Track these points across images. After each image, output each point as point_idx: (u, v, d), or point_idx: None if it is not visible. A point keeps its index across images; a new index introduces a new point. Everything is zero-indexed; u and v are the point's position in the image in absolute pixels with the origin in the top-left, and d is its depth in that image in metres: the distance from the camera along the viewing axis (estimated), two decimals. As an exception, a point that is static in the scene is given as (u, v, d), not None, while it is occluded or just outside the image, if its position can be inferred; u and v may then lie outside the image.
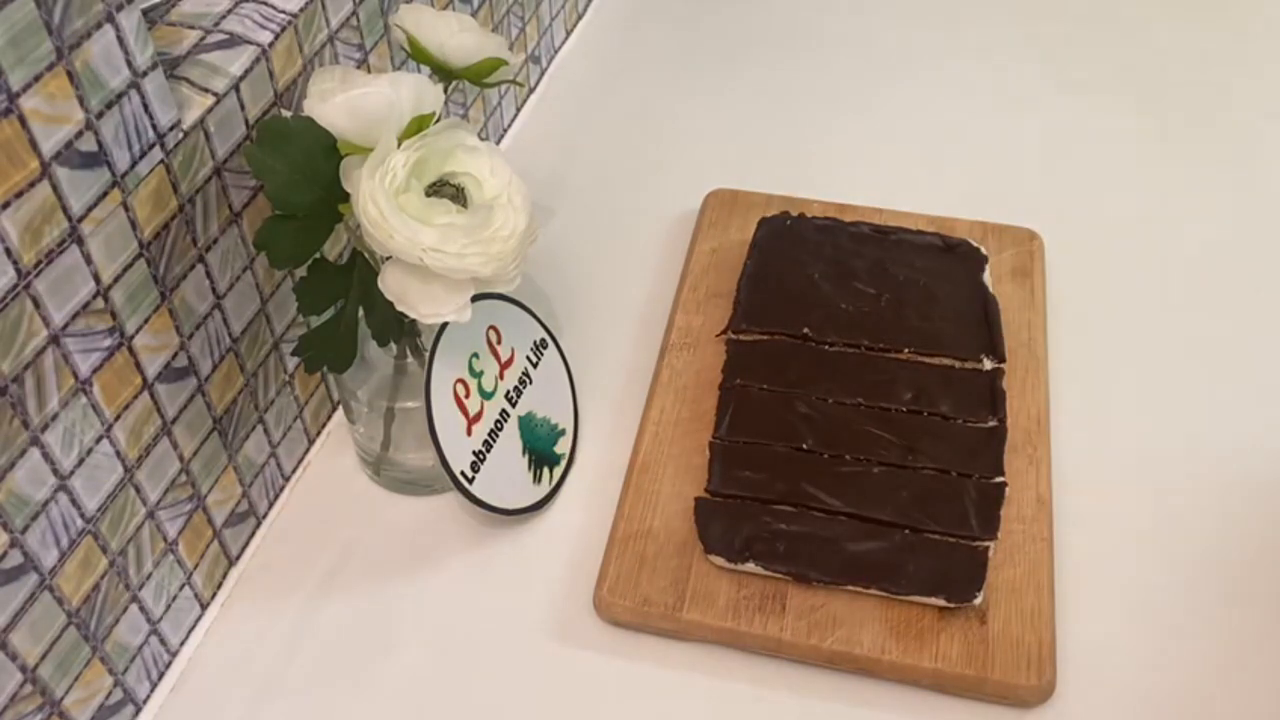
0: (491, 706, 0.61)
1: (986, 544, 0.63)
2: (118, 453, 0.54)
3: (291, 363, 0.68)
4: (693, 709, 0.60)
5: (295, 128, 0.54)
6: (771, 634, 0.61)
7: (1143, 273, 0.82)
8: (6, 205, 0.43)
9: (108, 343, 0.51)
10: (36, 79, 0.43)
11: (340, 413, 0.74)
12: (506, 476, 0.66)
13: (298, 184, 0.54)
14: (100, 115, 0.47)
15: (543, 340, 0.71)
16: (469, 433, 0.64)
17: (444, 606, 0.65)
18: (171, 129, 0.52)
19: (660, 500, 0.67)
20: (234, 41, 0.57)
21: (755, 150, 0.93)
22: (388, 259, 0.55)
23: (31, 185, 0.44)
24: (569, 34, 1.05)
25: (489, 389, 0.66)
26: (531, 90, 0.99)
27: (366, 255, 0.59)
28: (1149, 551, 0.66)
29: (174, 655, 0.62)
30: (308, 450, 0.72)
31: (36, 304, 0.46)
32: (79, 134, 0.46)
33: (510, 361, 0.68)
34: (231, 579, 0.66)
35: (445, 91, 0.57)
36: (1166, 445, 0.71)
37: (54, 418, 0.49)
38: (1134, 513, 0.68)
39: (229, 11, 0.59)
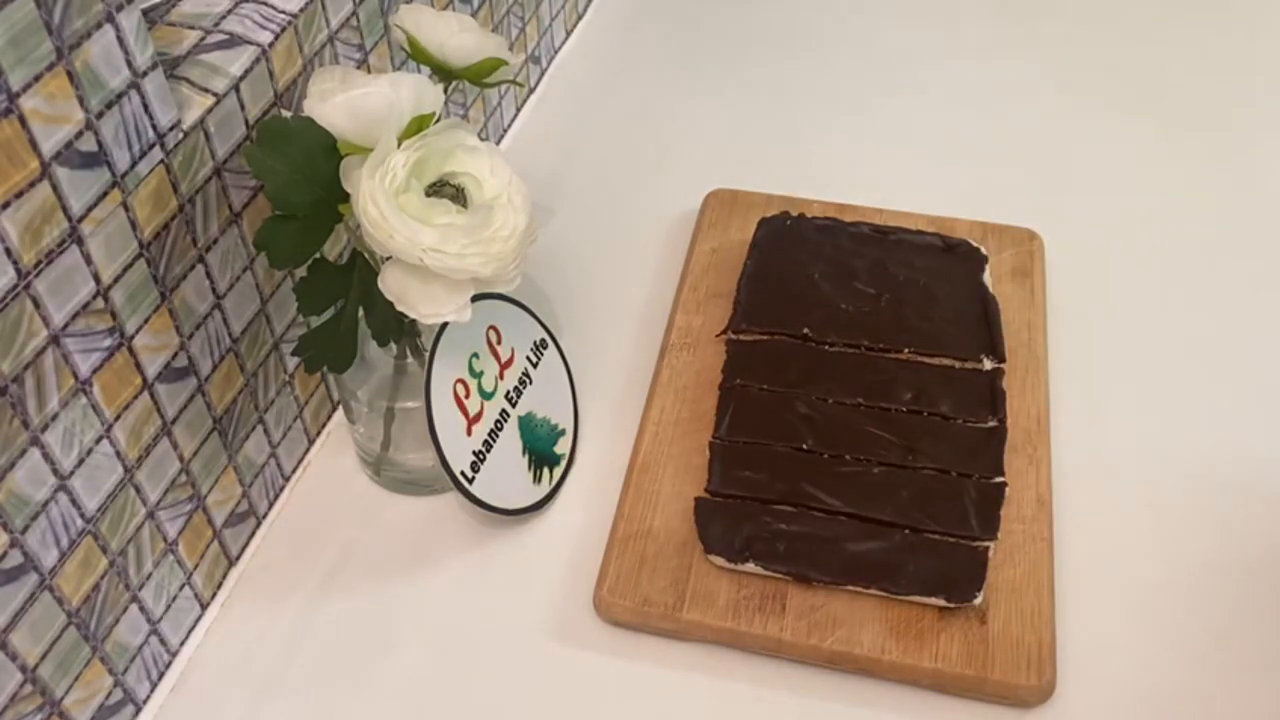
0: (491, 706, 0.61)
1: (986, 544, 0.63)
2: (118, 453, 0.54)
3: (291, 363, 0.68)
4: (693, 709, 0.60)
5: (295, 128, 0.54)
6: (771, 634, 0.61)
7: (1143, 273, 0.82)
8: (6, 205, 0.43)
9: (108, 343, 0.51)
10: (36, 79, 0.43)
11: (340, 413, 0.74)
12: (506, 476, 0.66)
13: (298, 184, 0.54)
14: (100, 115, 0.47)
15: (543, 340, 0.71)
16: (469, 433, 0.64)
17: (444, 606, 0.65)
18: (171, 129, 0.52)
19: (660, 500, 0.67)
20: (234, 41, 0.57)
21: (755, 150, 0.93)
22: (388, 259, 0.55)
23: (31, 185, 0.44)
24: (569, 34, 1.05)
25: (489, 389, 0.66)
26: (531, 90, 0.99)
27: (366, 255, 0.59)
28: (1149, 551, 0.66)
29: (174, 655, 0.62)
30: (308, 450, 0.72)
31: (36, 304, 0.46)
32: (79, 134, 0.46)
33: (510, 361, 0.68)
34: (231, 579, 0.66)
35: (445, 91, 0.57)
36: (1166, 445, 0.71)
37: (54, 418, 0.49)
38: (1134, 513, 0.68)
39: (229, 11, 0.59)
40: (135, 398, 0.54)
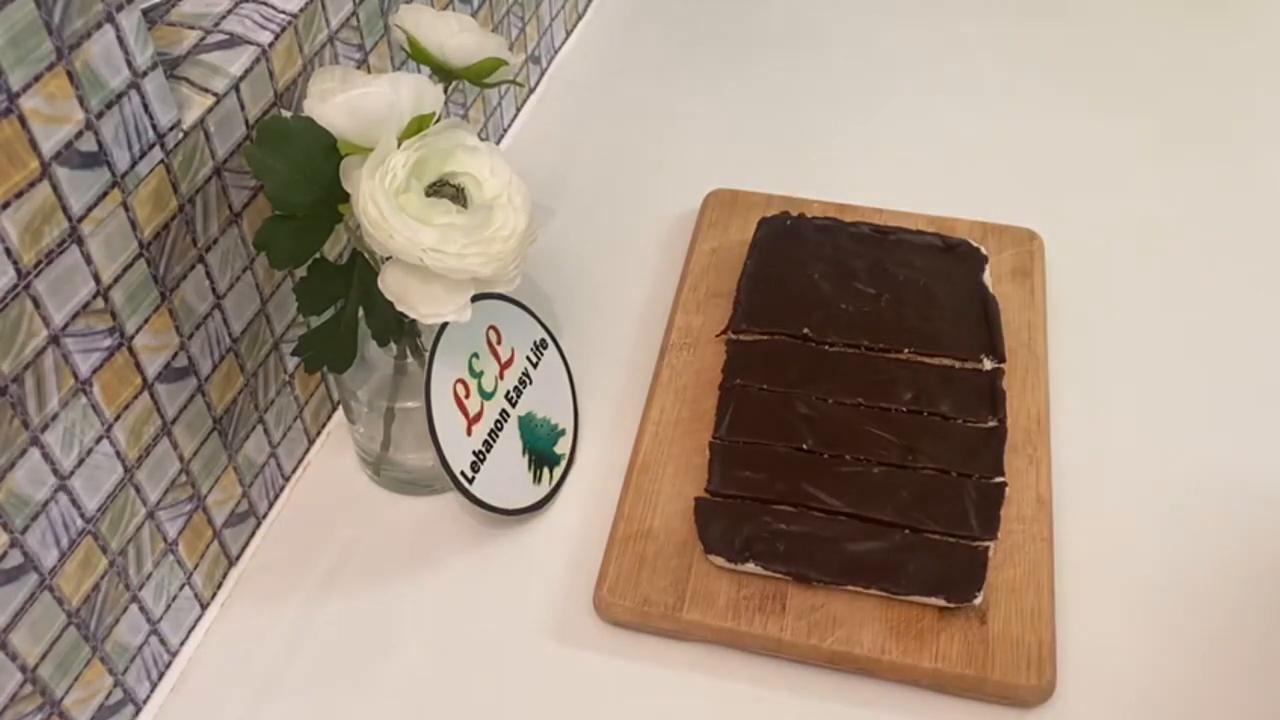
0: (491, 706, 0.61)
1: (986, 544, 0.63)
2: (118, 453, 0.54)
3: (291, 363, 0.68)
4: (693, 709, 0.60)
5: (295, 128, 0.54)
6: (771, 634, 0.61)
7: (1143, 273, 0.82)
8: (6, 205, 0.43)
9: (108, 343, 0.51)
10: (36, 79, 0.43)
11: (340, 413, 0.74)
12: (506, 476, 0.66)
13: (298, 184, 0.54)
14: (100, 115, 0.47)
15: (543, 340, 0.71)
16: (469, 433, 0.64)
17: (444, 606, 0.65)
18: (171, 129, 0.52)
19: (660, 500, 0.67)
20: (234, 41, 0.57)
21: (755, 150, 0.93)
22: (388, 259, 0.55)
23: (31, 185, 0.44)
24: (569, 34, 1.05)
25: (489, 389, 0.66)
26: (531, 90, 0.99)
27: (366, 255, 0.59)
28: (1149, 551, 0.66)
29: (174, 655, 0.62)
30: (308, 450, 0.72)
31: (36, 304, 0.46)
32: (79, 134, 0.46)
33: (510, 361, 0.68)
34: (231, 579, 0.66)
35: (445, 91, 0.57)
36: (1166, 445, 0.71)
37: (54, 418, 0.49)
38: (1134, 513, 0.68)
39: (229, 11, 0.59)
40: (135, 398, 0.54)
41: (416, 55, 0.61)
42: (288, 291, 0.65)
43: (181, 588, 0.61)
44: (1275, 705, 0.60)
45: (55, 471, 0.49)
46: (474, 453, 0.64)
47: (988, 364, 0.71)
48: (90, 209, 0.48)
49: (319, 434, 0.73)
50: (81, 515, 0.52)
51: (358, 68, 0.68)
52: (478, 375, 0.65)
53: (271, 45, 0.58)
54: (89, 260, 0.49)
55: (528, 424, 0.68)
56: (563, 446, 0.71)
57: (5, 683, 0.49)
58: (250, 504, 0.67)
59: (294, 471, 0.71)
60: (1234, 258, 0.83)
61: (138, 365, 0.54)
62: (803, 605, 0.62)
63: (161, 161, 0.52)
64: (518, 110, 0.96)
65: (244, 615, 0.65)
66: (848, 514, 0.64)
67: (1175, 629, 0.63)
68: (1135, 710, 0.60)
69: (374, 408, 0.66)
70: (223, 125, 0.56)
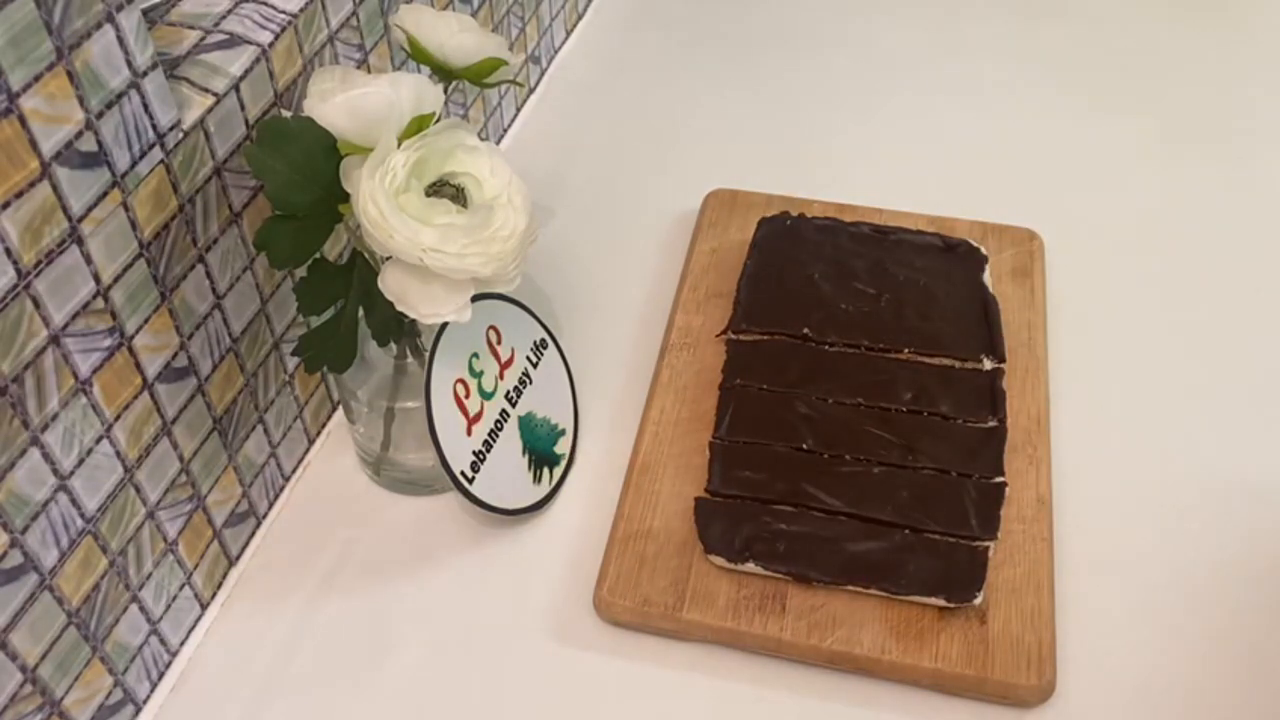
0: (491, 706, 0.61)
1: (986, 544, 0.63)
2: (118, 453, 0.54)
3: (291, 363, 0.68)
4: (693, 709, 0.60)
5: (295, 128, 0.54)
6: (771, 634, 0.61)
7: (1143, 273, 0.82)
8: (6, 205, 0.43)
9: (108, 343, 0.51)
10: (36, 79, 0.43)
11: (340, 413, 0.74)
12: (506, 476, 0.66)
13: (298, 184, 0.54)
14: (100, 115, 0.47)
15: (543, 340, 0.71)
16: (469, 433, 0.64)
17: (444, 606, 0.65)
18: (171, 129, 0.52)
19: (660, 500, 0.67)
20: (234, 41, 0.57)
21: (755, 150, 0.93)
22: (388, 259, 0.55)
23: (31, 185, 0.44)
24: (569, 34, 1.05)
25: (489, 389, 0.66)
26: (531, 90, 0.99)
27: (366, 255, 0.59)
28: (1149, 551, 0.66)
29: (174, 655, 0.62)
30: (308, 450, 0.72)
31: (36, 304, 0.46)
32: (79, 134, 0.46)
33: (510, 361, 0.68)
34: (231, 579, 0.66)
35: (445, 91, 0.57)
36: (1166, 444, 0.71)
37: (54, 418, 0.49)
38: (1134, 512, 0.68)
39: (229, 11, 0.59)
40: (135, 398, 0.54)
41: (416, 55, 0.61)
42: (288, 291, 0.65)
43: (181, 588, 0.61)
44: (1275, 705, 0.60)
45: (55, 471, 0.49)
46: (474, 453, 0.64)
47: (988, 364, 0.71)
48: (90, 209, 0.48)
49: (319, 434, 0.73)
50: (81, 515, 0.52)
51: (358, 68, 0.68)
52: (478, 375, 0.65)
53: (271, 45, 0.58)
54: (89, 260, 0.49)
55: (528, 424, 0.68)
56: (563, 446, 0.71)
57: (5, 683, 0.49)
58: (250, 504, 0.67)
59: (294, 471, 0.71)
60: (1234, 258, 0.83)
61: (138, 365, 0.54)
62: (803, 605, 0.62)
63: (161, 161, 0.52)
64: (518, 110, 0.96)
65: (244, 615, 0.65)
66: (848, 514, 0.64)
67: (1175, 629, 0.63)
68: (1135, 710, 0.60)
69: (374, 408, 0.66)
70: (223, 125, 0.56)
